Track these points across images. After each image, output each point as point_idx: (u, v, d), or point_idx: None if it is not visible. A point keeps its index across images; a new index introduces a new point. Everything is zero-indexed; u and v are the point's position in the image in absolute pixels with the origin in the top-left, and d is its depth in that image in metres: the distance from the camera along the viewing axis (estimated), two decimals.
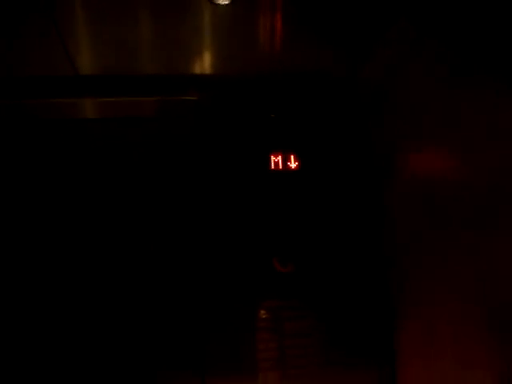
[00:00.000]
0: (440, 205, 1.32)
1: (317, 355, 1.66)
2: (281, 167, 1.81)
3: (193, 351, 1.62)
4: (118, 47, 1.69)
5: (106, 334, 1.62)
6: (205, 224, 1.74)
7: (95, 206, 1.74)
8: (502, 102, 1.06)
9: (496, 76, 1.08)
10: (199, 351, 1.63)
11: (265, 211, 1.77)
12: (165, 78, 1.83)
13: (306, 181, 1.81)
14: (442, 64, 1.31)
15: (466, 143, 1.20)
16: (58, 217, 1.73)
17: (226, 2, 1.58)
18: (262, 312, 1.68)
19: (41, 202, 1.74)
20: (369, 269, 1.75)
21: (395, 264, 1.66)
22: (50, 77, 1.78)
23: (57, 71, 1.76)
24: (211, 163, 1.80)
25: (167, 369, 1.60)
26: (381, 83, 1.73)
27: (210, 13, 1.60)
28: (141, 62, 1.78)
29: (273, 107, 1.87)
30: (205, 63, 1.80)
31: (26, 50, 1.66)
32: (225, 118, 1.85)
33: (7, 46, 1.64)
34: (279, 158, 1.81)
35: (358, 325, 1.70)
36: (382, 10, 1.56)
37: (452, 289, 1.28)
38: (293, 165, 1.81)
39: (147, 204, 1.75)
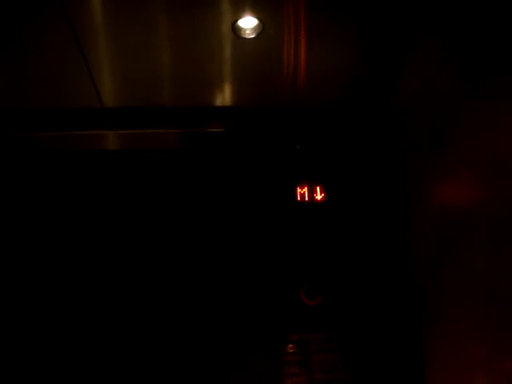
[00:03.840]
0: (464, 231, 1.32)
1: None
2: (307, 199, 1.80)
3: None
4: (143, 80, 1.69)
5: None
6: (231, 257, 1.73)
7: (117, 235, 1.76)
8: None
9: None
10: None
11: (291, 243, 1.76)
12: (190, 110, 1.82)
13: (332, 212, 1.80)
14: (471, 86, 1.30)
15: (492, 169, 1.19)
16: (79, 244, 1.74)
17: (253, 36, 1.59)
18: (290, 346, 1.66)
19: (63, 227, 1.76)
20: (397, 300, 1.73)
21: (422, 293, 1.64)
22: (77, 109, 1.78)
23: (83, 104, 1.77)
24: (237, 195, 1.80)
25: None
26: (410, 107, 1.71)
27: (235, 46, 1.61)
28: (165, 94, 1.78)
29: (298, 138, 1.87)
30: (229, 95, 1.80)
31: (54, 82, 1.68)
32: (250, 149, 1.85)
33: (32, 78, 1.66)
34: (305, 189, 1.80)
35: (388, 358, 1.68)
36: (406, 33, 1.54)
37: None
38: (319, 196, 1.80)
39: (171, 235, 1.76)
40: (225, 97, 1.81)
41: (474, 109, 1.29)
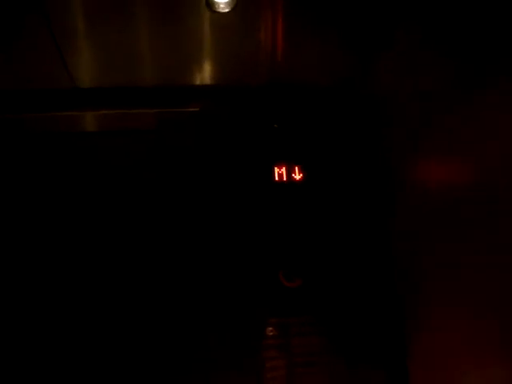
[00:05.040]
0: (453, 210, 1.27)
1: (327, 374, 1.59)
2: (285, 179, 1.76)
3: (197, 371, 1.56)
4: (116, 58, 1.66)
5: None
6: (207, 238, 1.68)
7: (95, 219, 1.69)
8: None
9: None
10: (204, 370, 1.56)
11: (269, 224, 1.71)
12: (165, 90, 1.79)
13: (311, 192, 1.76)
14: (448, 70, 1.25)
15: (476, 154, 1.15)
16: (58, 229, 1.68)
17: (227, 10, 1.55)
18: (269, 329, 1.62)
19: (40, 215, 1.69)
20: (380, 282, 1.69)
21: (406, 274, 1.60)
22: (48, 90, 1.74)
23: (55, 84, 1.72)
24: (213, 175, 1.75)
25: None
26: (388, 90, 1.68)
27: (210, 21, 1.57)
28: (140, 74, 1.74)
29: (276, 117, 1.83)
30: (206, 73, 1.77)
31: (23, 63, 1.63)
32: (227, 129, 1.81)
33: (4, 59, 1.61)
34: (283, 169, 1.76)
35: (370, 341, 1.63)
36: (387, 16, 1.53)
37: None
38: (297, 176, 1.76)
39: (147, 220, 1.70)
40: (201, 74, 1.78)
41: (459, 101, 1.25)
